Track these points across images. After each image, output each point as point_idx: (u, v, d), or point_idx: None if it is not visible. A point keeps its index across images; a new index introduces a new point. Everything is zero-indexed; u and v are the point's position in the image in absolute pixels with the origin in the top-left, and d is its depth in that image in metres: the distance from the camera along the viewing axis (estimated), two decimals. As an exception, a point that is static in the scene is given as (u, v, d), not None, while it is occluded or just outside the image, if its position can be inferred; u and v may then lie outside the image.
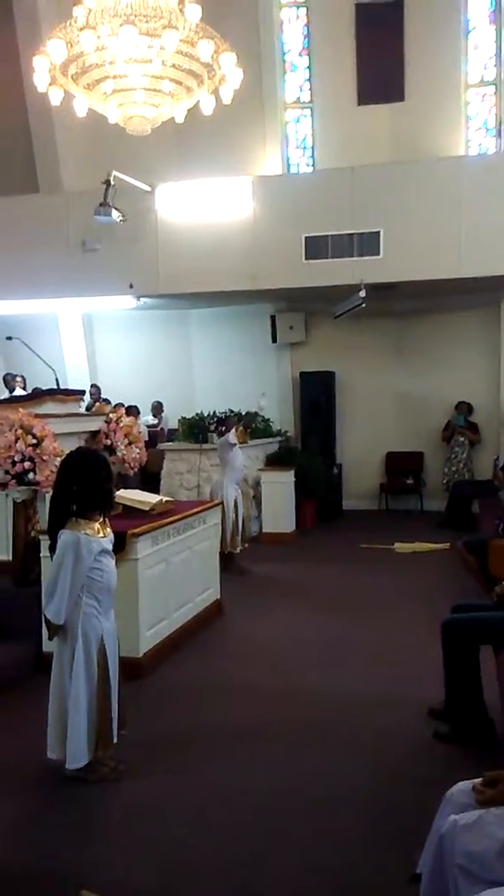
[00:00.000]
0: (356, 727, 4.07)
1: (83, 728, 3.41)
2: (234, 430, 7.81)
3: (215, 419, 9.01)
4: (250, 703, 4.43)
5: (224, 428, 8.06)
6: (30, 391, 8.80)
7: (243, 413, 9.03)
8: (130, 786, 3.47)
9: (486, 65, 11.15)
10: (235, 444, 7.79)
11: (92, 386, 11.66)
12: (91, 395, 11.01)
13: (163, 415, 11.78)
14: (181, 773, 3.60)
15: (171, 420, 11.25)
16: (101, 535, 3.49)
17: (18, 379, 10.48)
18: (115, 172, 8.70)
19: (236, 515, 7.81)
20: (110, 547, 3.56)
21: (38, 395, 6.09)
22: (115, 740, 3.55)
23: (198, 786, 3.47)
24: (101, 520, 3.53)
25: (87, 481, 3.45)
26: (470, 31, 11.10)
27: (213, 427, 9.21)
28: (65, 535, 3.40)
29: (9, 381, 10.53)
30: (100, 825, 3.18)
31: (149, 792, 3.42)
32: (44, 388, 6.55)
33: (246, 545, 8.15)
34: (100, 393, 11.47)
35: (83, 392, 7.06)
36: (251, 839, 3.04)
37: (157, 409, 11.80)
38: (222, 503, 7.39)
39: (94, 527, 3.47)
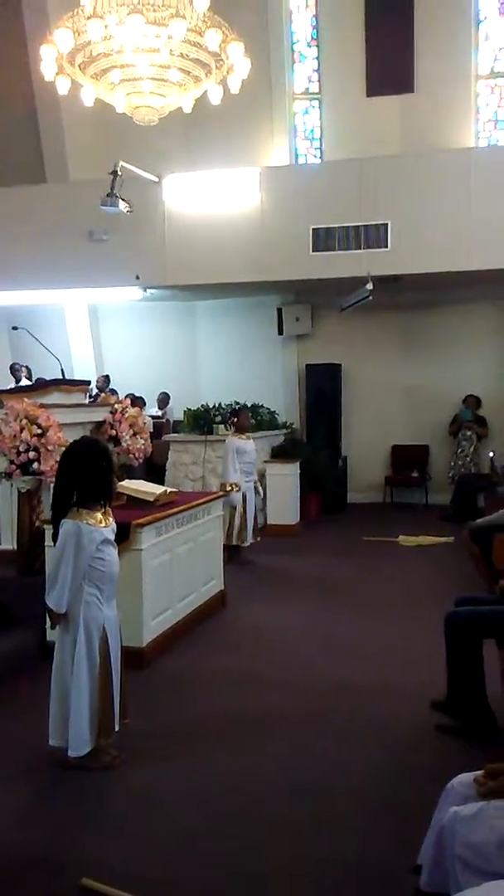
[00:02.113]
0: (358, 718, 4.07)
1: (85, 716, 3.42)
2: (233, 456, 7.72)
3: (228, 411, 8.88)
4: (253, 694, 4.44)
5: (237, 419, 8.03)
6: (34, 381, 8.80)
7: (248, 405, 8.99)
8: (132, 774, 3.48)
9: (497, 56, 11.07)
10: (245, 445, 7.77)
11: (102, 376, 11.65)
12: (98, 385, 11.01)
13: (169, 406, 11.77)
14: (183, 762, 3.61)
15: (177, 411, 11.24)
16: (104, 524, 3.50)
17: (23, 369, 10.50)
18: (122, 163, 8.67)
19: (245, 509, 7.73)
20: (112, 537, 3.56)
21: (43, 386, 6.08)
22: (117, 729, 3.56)
23: (200, 775, 3.48)
24: (103, 510, 3.53)
25: (88, 471, 3.46)
26: (481, 21, 11.00)
27: (220, 418, 9.17)
28: (66, 525, 3.42)
29: (15, 371, 10.55)
30: (101, 813, 3.19)
31: (151, 781, 3.43)
32: (49, 378, 6.54)
33: (258, 538, 8.09)
34: (108, 383, 11.46)
35: (88, 382, 7.05)
36: (253, 828, 3.05)
37: (164, 400, 11.79)
38: (226, 494, 7.37)
39: (96, 516, 3.47)
